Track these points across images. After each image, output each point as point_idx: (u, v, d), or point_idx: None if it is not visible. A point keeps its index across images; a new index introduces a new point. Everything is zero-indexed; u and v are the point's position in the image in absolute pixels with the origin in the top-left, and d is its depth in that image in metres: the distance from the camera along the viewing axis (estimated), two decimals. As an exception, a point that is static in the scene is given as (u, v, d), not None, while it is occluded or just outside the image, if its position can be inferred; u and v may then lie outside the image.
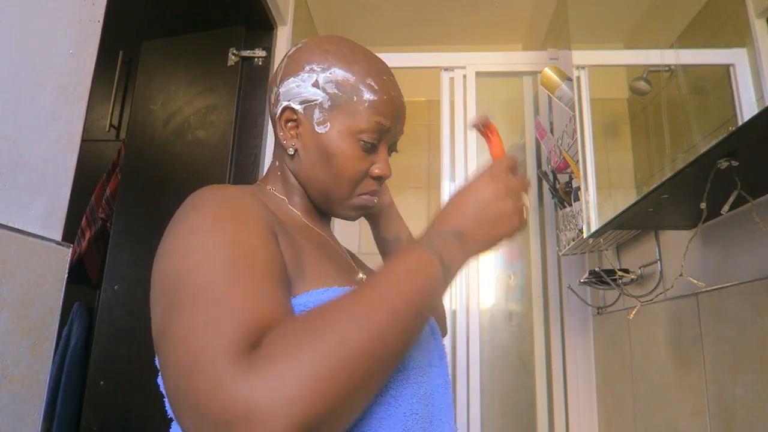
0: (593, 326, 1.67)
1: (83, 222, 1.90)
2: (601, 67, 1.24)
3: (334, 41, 0.63)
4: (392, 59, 1.98)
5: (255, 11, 1.69)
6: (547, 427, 1.72)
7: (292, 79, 0.62)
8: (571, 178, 1.52)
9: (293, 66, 0.62)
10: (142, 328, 1.58)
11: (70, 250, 0.71)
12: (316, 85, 0.60)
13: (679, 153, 0.77)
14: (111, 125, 2.08)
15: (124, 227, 1.69)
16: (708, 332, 0.96)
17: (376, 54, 0.67)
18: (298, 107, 0.61)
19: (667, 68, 0.83)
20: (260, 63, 1.76)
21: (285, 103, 0.62)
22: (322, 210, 0.68)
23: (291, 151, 0.63)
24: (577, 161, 1.28)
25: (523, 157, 1.98)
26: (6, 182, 0.62)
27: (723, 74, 0.66)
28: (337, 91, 0.60)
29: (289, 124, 0.63)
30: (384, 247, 0.81)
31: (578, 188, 1.32)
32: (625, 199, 0.93)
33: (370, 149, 0.62)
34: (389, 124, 0.62)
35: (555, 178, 1.65)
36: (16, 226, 0.63)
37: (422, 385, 0.55)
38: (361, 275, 0.68)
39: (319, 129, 0.61)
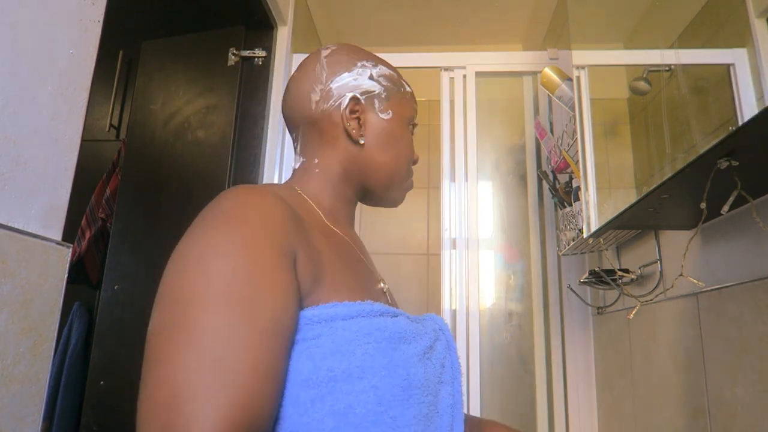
0: (593, 326, 1.67)
1: (83, 222, 1.90)
2: (601, 67, 1.24)
3: (360, 48, 0.72)
4: (392, 59, 1.99)
5: (255, 11, 1.69)
6: (547, 427, 1.72)
7: (347, 74, 0.67)
8: (571, 178, 1.52)
9: (343, 64, 0.68)
10: (142, 328, 1.58)
11: (70, 250, 0.71)
12: (371, 78, 0.68)
13: (679, 153, 0.77)
14: (111, 125, 2.08)
15: (124, 227, 1.69)
16: (708, 332, 0.96)
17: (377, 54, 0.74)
18: (362, 97, 0.67)
19: (667, 68, 0.83)
20: (260, 63, 1.76)
21: (350, 95, 0.66)
22: (373, 200, 0.73)
23: (362, 141, 0.67)
24: (577, 161, 1.28)
25: (523, 157, 1.98)
26: (6, 182, 0.62)
27: (723, 74, 0.66)
28: (389, 84, 0.69)
29: (353, 114, 0.67)
30: None
31: (578, 188, 1.32)
32: (625, 199, 0.93)
33: (412, 134, 0.73)
34: (416, 113, 0.73)
35: (555, 178, 1.65)
36: (16, 226, 0.63)
37: (426, 405, 0.53)
38: (382, 285, 0.67)
39: (383, 116, 0.68)
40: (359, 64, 0.67)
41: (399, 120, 0.69)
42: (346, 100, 0.66)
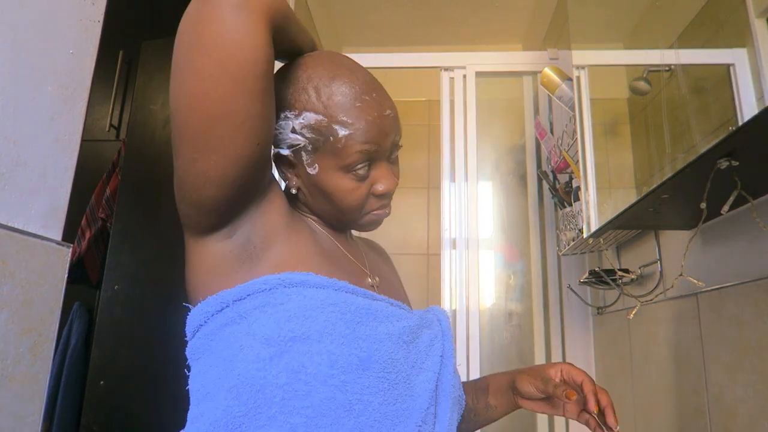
0: (593, 326, 1.67)
1: (83, 222, 1.90)
2: (601, 67, 1.24)
3: (303, 75, 0.61)
4: (392, 59, 1.99)
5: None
6: (547, 427, 1.72)
7: None
8: (571, 178, 1.52)
9: None
10: (142, 328, 1.59)
11: (70, 250, 0.71)
12: (294, 131, 0.60)
13: (679, 153, 0.77)
14: (111, 125, 2.08)
15: (124, 227, 1.69)
16: (708, 332, 0.96)
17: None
18: (286, 152, 0.62)
19: (667, 68, 0.83)
20: (260, 63, 1.75)
21: (275, 150, 0.63)
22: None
23: (294, 191, 0.65)
24: (577, 161, 1.28)
25: (523, 157, 1.98)
26: (6, 182, 0.62)
27: (723, 74, 0.66)
28: (314, 135, 0.60)
29: (285, 165, 0.64)
30: (488, 416, 0.78)
31: (578, 188, 1.32)
32: (625, 199, 0.93)
33: (364, 176, 0.63)
34: (376, 147, 0.61)
35: (555, 178, 1.65)
36: (16, 226, 0.63)
37: (387, 382, 0.55)
38: (370, 280, 0.68)
39: (310, 170, 0.62)
40: (282, 115, 0.61)
41: (331, 172, 0.61)
42: (272, 155, 0.63)
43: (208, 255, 0.58)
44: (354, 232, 0.77)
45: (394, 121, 0.64)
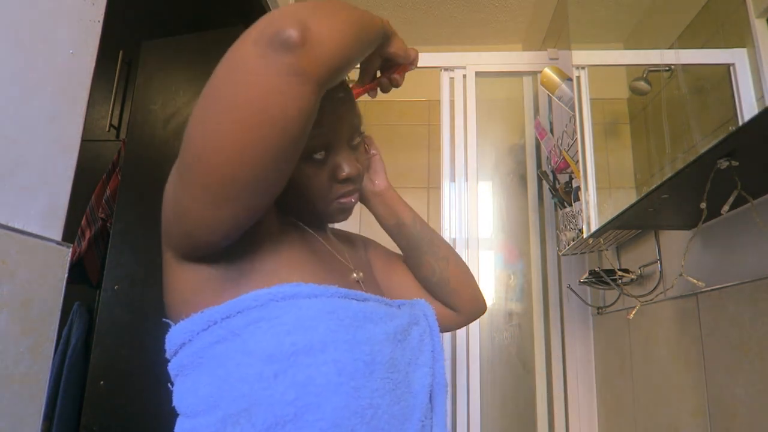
0: (593, 326, 1.67)
1: (83, 222, 1.90)
2: (601, 67, 1.24)
3: None
4: (392, 59, 1.97)
5: (255, 11, 1.69)
6: (547, 427, 1.72)
7: None
8: (571, 178, 1.52)
9: None
10: (142, 328, 1.59)
11: (70, 250, 0.71)
12: None
13: (679, 153, 0.77)
14: (111, 125, 2.08)
15: (124, 227, 1.69)
16: (708, 332, 0.96)
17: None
18: None
19: (667, 68, 0.83)
20: (260, 63, 1.75)
21: None
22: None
23: None
24: (577, 161, 1.28)
25: (523, 157, 1.98)
26: (6, 182, 0.62)
27: (723, 74, 0.66)
28: None
29: None
30: (389, 232, 0.80)
31: (578, 188, 1.32)
32: (625, 199, 0.93)
33: (322, 161, 0.62)
34: (328, 130, 0.61)
35: (555, 178, 1.65)
36: (16, 226, 0.63)
37: (390, 382, 0.56)
38: (355, 275, 0.68)
39: None
40: None
41: None
42: None
43: (191, 276, 0.56)
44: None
45: (346, 103, 0.63)
